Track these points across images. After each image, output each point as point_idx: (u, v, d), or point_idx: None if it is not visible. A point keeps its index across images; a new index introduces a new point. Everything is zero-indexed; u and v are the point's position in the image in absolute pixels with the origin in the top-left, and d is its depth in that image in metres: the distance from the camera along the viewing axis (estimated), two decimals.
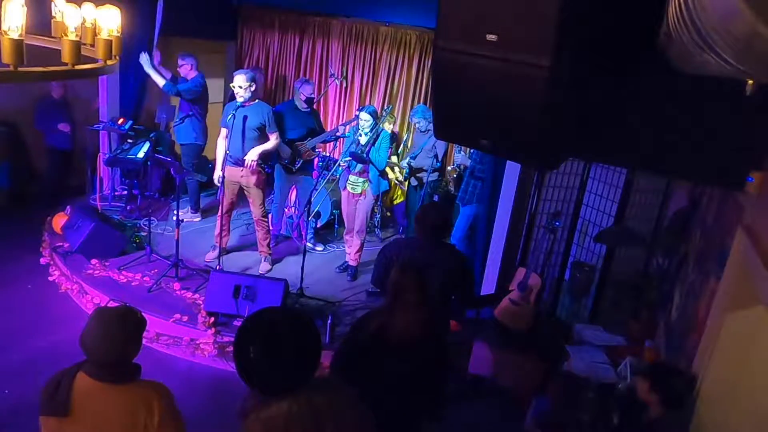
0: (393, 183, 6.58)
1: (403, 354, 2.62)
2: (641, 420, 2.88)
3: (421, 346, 2.65)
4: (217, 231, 5.48)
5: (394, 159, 6.54)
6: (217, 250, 5.46)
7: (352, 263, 5.67)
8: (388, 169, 6.16)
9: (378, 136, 5.37)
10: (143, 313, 2.21)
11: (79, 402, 2.01)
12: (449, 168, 6.56)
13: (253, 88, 5.04)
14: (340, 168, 5.66)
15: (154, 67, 6.06)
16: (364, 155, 5.31)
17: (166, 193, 6.93)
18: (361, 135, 5.36)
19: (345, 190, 5.59)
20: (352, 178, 5.49)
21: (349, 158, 5.40)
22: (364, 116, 5.33)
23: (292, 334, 1.83)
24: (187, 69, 6.08)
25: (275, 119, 5.53)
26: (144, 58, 5.94)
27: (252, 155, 5.09)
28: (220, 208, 5.37)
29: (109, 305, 2.15)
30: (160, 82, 5.97)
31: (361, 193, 5.49)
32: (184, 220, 5.99)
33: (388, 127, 6.26)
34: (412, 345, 2.62)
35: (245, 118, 5.07)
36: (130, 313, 2.15)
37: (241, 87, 4.97)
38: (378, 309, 2.87)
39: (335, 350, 2.89)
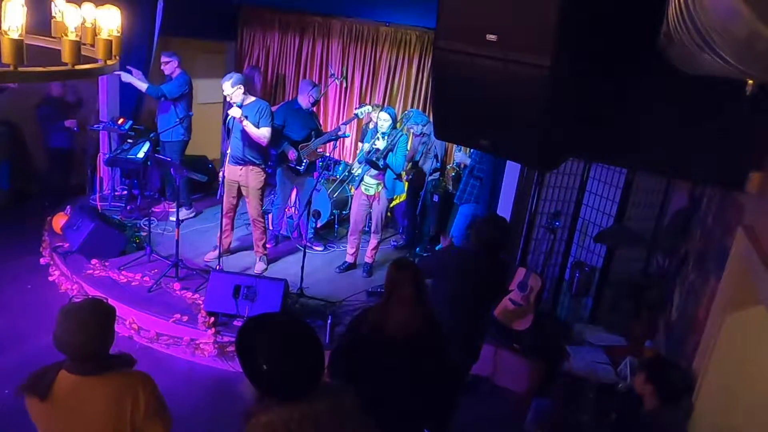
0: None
1: (399, 350, 2.63)
2: (638, 415, 2.89)
3: (417, 342, 2.65)
4: (219, 232, 5.49)
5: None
6: (217, 251, 5.47)
7: (368, 260, 5.74)
8: None
9: (396, 141, 5.33)
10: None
11: (61, 395, 2.02)
12: (448, 167, 6.56)
13: (241, 90, 5.02)
14: (356, 171, 5.64)
15: (133, 76, 6.08)
16: (381, 161, 5.27)
17: (166, 193, 6.93)
18: (378, 138, 5.29)
19: (358, 189, 5.55)
20: (366, 178, 5.45)
21: (362, 163, 5.37)
22: (384, 116, 5.27)
23: (303, 339, 1.85)
24: (172, 66, 6.07)
25: (279, 120, 5.55)
26: (125, 76, 5.99)
27: (241, 118, 4.97)
28: (222, 208, 5.37)
29: (73, 301, 2.15)
30: (143, 86, 5.99)
31: (374, 195, 5.47)
32: (183, 220, 5.99)
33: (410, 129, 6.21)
34: (408, 340, 2.63)
35: (245, 118, 5.06)
36: (97, 303, 2.15)
37: (229, 94, 4.98)
38: (374, 306, 2.89)
39: (332, 348, 2.89)
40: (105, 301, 2.20)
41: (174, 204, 5.51)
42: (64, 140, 6.64)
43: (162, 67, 6.12)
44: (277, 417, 1.75)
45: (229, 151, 5.13)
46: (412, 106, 7.03)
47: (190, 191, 6.53)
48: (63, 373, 2.05)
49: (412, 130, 6.11)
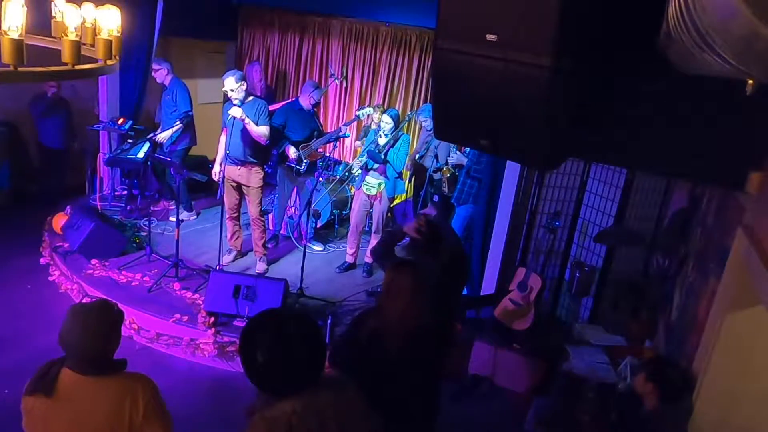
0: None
1: (398, 348, 2.63)
2: (638, 415, 2.89)
3: (416, 341, 2.66)
4: (228, 234, 5.48)
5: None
6: (233, 254, 5.51)
7: (368, 260, 5.75)
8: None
9: (398, 138, 5.37)
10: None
11: (63, 392, 2.03)
12: (444, 167, 6.55)
13: (244, 87, 5.02)
14: (356, 171, 5.67)
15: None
16: (382, 155, 5.32)
17: (163, 193, 6.92)
18: (380, 136, 5.40)
19: (360, 189, 5.58)
20: (368, 178, 5.48)
21: (365, 157, 5.41)
22: (386, 119, 5.35)
23: (300, 336, 1.84)
24: (163, 74, 6.05)
25: (281, 120, 5.54)
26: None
27: (243, 117, 4.95)
28: (224, 210, 5.37)
29: (83, 301, 2.17)
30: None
31: (375, 195, 5.49)
32: (183, 221, 5.99)
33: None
34: (407, 340, 2.63)
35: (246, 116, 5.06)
36: (107, 306, 2.16)
37: (232, 90, 4.96)
38: (373, 306, 2.90)
39: (332, 346, 2.90)
40: (115, 305, 2.20)
41: (173, 203, 5.50)
42: (54, 140, 6.64)
43: (153, 74, 6.09)
44: (279, 412, 1.75)
45: (227, 152, 5.13)
46: (412, 106, 7.04)
47: (187, 195, 6.53)
48: (66, 371, 2.06)
49: (425, 125, 6.10)
